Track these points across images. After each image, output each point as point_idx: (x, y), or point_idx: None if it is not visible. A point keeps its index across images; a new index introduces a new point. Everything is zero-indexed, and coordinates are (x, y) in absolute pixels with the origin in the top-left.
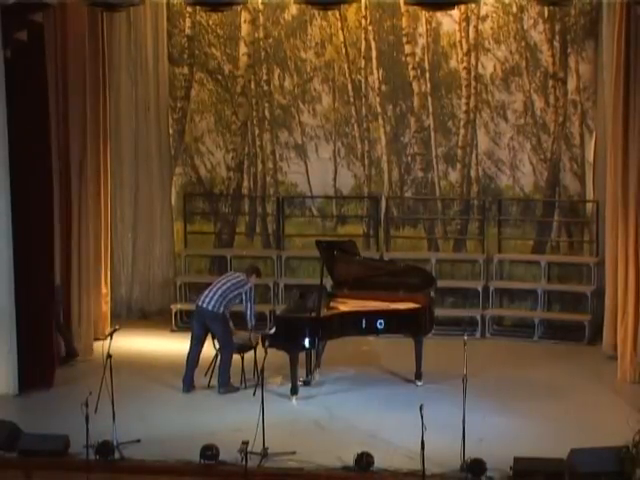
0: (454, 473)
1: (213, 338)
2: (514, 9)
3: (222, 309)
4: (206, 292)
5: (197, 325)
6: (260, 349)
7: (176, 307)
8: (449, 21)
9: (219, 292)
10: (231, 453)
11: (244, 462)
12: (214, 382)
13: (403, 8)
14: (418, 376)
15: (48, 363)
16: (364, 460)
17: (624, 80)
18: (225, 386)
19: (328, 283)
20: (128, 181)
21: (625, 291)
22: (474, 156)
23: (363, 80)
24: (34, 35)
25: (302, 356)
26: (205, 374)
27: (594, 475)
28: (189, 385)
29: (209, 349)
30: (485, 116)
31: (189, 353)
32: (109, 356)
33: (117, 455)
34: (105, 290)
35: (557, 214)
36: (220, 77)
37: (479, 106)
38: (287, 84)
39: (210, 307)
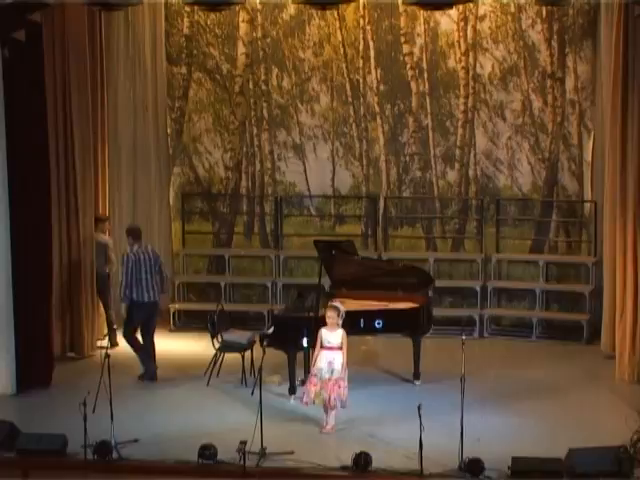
0: (452, 473)
1: (213, 337)
2: (512, 9)
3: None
4: (148, 286)
5: (144, 316)
6: (258, 349)
7: (174, 307)
8: (447, 21)
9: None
10: (229, 453)
11: (242, 462)
12: (212, 382)
13: (401, 8)
14: (416, 376)
15: (46, 362)
16: (362, 460)
17: (622, 80)
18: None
19: (326, 283)
20: (126, 181)
21: (623, 291)
22: (472, 156)
23: (361, 80)
24: (32, 35)
25: (300, 356)
26: (204, 373)
27: (592, 475)
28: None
29: (208, 349)
30: (483, 116)
31: (145, 345)
32: (107, 356)
33: (115, 455)
34: None
35: (555, 214)
36: (218, 77)
37: (477, 106)
38: (285, 84)
39: (157, 299)
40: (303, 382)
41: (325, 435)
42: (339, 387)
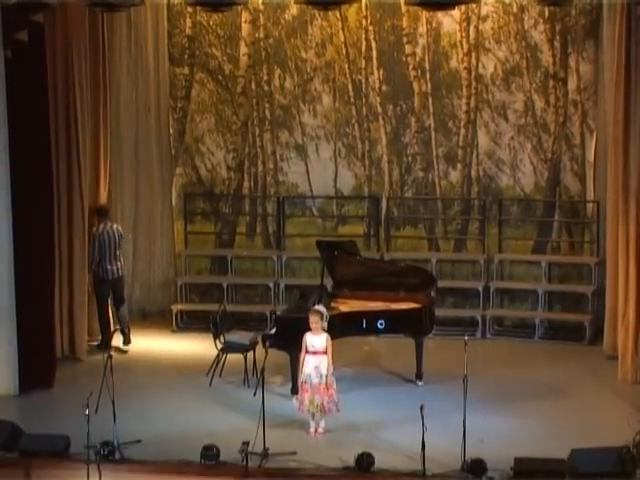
0: (455, 473)
1: (215, 338)
2: (514, 9)
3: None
4: (111, 263)
5: (107, 291)
6: (260, 349)
7: (177, 307)
8: (449, 21)
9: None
10: (232, 453)
11: (245, 462)
12: (215, 383)
13: (403, 8)
14: (419, 376)
15: (49, 363)
16: (365, 460)
17: (625, 80)
18: None
19: (329, 283)
20: (128, 181)
21: (626, 291)
22: (474, 156)
23: (364, 80)
24: (34, 35)
25: None
26: (207, 374)
27: (595, 475)
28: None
29: (210, 350)
30: (486, 116)
31: (118, 316)
32: (109, 356)
33: (118, 455)
34: None
35: (558, 214)
36: (221, 77)
37: (479, 106)
38: (288, 84)
39: (120, 274)
40: (292, 392)
41: (327, 436)
42: (333, 391)
